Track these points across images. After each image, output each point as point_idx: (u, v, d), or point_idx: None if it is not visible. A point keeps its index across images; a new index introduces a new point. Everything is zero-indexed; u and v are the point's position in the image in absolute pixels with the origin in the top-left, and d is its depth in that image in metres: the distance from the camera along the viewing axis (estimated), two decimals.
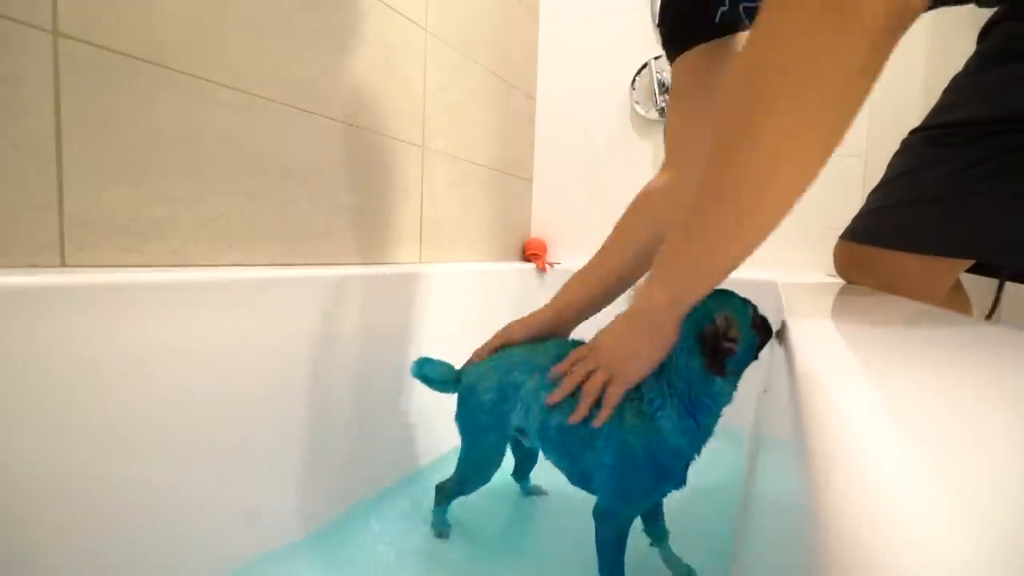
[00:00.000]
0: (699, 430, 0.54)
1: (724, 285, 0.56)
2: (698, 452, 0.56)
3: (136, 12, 0.58)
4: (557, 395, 0.57)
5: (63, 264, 0.55)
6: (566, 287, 0.70)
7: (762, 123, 0.34)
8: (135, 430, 0.54)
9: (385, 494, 0.85)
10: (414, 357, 0.72)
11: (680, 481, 0.57)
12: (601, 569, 0.59)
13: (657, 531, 0.66)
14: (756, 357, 0.56)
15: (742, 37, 0.59)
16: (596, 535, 0.59)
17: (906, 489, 0.12)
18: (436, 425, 0.95)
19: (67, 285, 0.49)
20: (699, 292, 0.47)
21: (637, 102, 1.36)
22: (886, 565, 0.10)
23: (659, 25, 0.66)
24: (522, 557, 0.71)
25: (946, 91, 0.62)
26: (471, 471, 0.70)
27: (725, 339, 0.52)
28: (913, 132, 0.64)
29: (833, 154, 0.34)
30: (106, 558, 0.52)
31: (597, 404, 0.55)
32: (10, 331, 0.45)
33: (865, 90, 0.32)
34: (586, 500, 0.61)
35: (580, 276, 0.70)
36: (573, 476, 0.62)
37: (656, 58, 1.32)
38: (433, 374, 0.70)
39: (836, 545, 0.11)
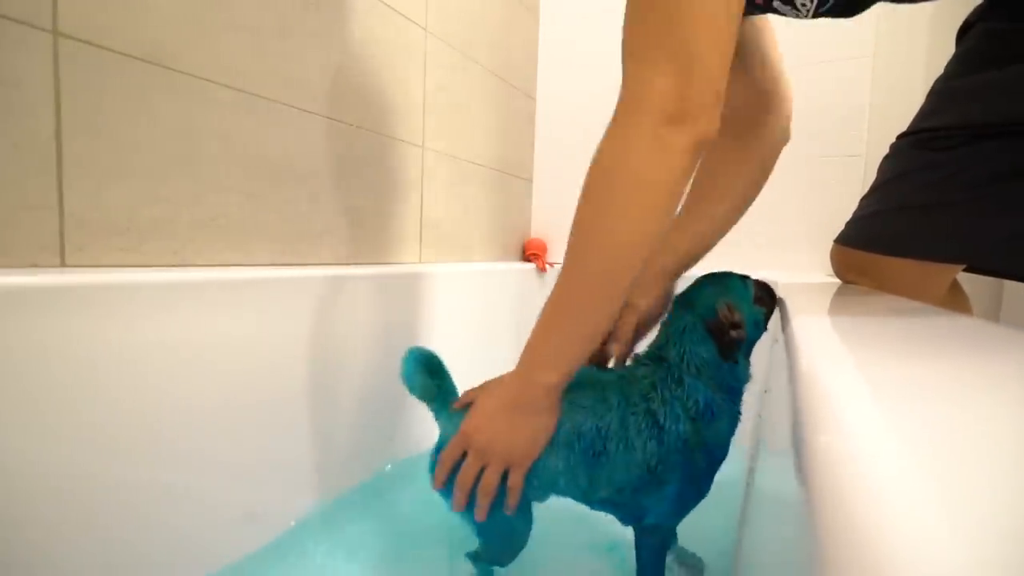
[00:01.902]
0: (738, 414, 0.55)
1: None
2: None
3: (136, 12, 0.58)
4: (458, 502, 0.52)
5: (63, 264, 0.55)
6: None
7: (609, 223, 0.43)
8: (134, 429, 0.54)
9: (383, 492, 0.85)
10: None
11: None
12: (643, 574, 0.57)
13: None
14: (766, 329, 0.56)
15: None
16: (642, 546, 0.57)
17: (906, 488, 0.12)
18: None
19: (67, 285, 0.49)
20: (574, 367, 0.49)
21: None
22: (886, 564, 0.10)
23: None
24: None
25: (930, 94, 0.62)
26: (501, 542, 0.58)
27: (731, 327, 0.52)
28: (901, 136, 0.64)
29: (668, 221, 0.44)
30: (104, 557, 0.52)
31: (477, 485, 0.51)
32: (10, 331, 0.45)
33: (681, 193, 0.43)
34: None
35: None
36: (625, 519, 0.58)
37: None
38: (422, 390, 0.60)
39: (837, 544, 0.11)
